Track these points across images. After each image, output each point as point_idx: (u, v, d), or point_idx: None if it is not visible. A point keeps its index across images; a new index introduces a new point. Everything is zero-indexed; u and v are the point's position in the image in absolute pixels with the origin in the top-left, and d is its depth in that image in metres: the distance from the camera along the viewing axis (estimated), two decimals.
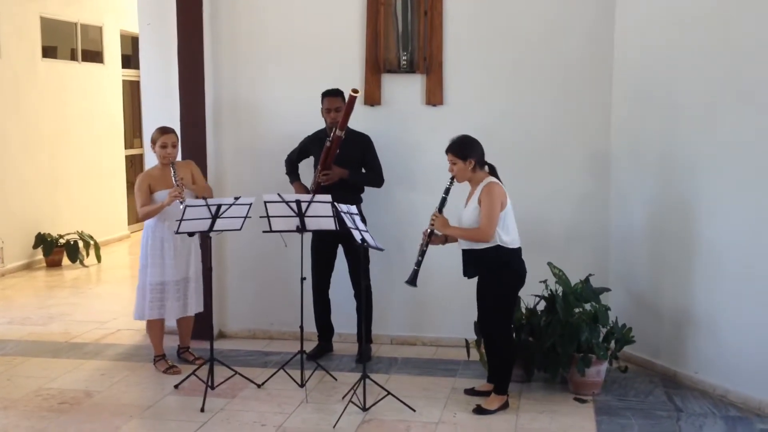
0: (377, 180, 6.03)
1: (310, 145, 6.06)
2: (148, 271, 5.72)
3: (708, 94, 5.31)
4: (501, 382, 5.12)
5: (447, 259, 6.18)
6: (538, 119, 6.18)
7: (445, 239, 5.15)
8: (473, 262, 5.02)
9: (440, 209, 5.05)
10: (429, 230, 5.07)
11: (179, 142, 5.84)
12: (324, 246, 6.05)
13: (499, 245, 4.92)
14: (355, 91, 5.65)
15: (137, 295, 5.82)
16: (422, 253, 5.10)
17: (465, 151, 4.97)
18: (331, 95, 5.91)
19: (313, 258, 6.11)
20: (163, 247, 5.70)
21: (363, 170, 6.03)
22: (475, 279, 5.11)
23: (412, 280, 5.11)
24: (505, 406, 5.09)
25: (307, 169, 6.17)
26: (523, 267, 5.06)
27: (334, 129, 5.75)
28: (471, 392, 5.35)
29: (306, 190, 5.94)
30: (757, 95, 5.01)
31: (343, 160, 5.82)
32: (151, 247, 5.71)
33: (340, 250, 6.08)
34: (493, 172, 5.07)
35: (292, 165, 6.18)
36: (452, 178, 5.04)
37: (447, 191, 5.06)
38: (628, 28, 5.91)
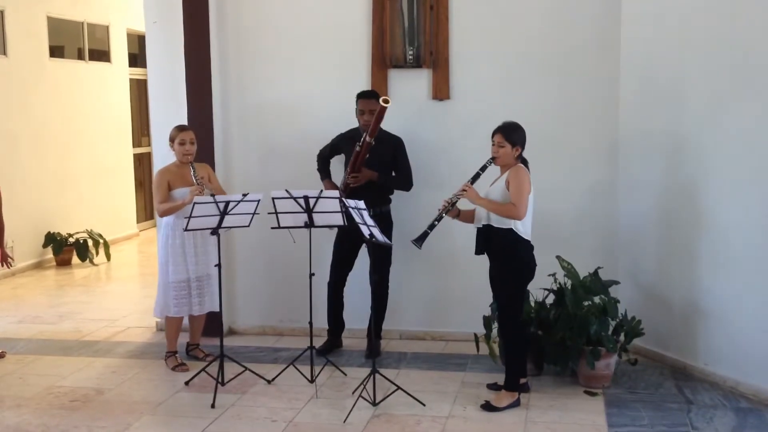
0: (405, 183, 6.02)
1: (342, 144, 6.04)
2: (170, 269, 5.74)
3: (716, 83, 5.30)
4: (510, 378, 5.11)
5: (456, 254, 6.20)
6: (545, 112, 6.16)
7: (458, 213, 5.13)
8: (486, 240, 5.01)
9: (472, 182, 5.03)
10: (454, 199, 5.05)
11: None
12: (347, 244, 6.05)
13: (512, 229, 4.93)
14: (385, 101, 5.63)
15: (158, 292, 5.85)
16: (439, 219, 5.07)
17: (515, 136, 4.97)
18: (366, 97, 5.87)
19: (334, 255, 6.13)
20: (185, 244, 5.72)
21: (393, 172, 6.02)
22: (486, 274, 5.12)
23: (420, 241, 5.06)
24: (515, 404, 5.06)
25: (337, 165, 6.16)
26: (533, 260, 5.06)
27: (364, 135, 5.74)
28: (494, 387, 5.33)
29: (335, 189, 5.92)
30: (765, 83, 4.98)
31: (373, 160, 5.82)
32: (172, 246, 5.72)
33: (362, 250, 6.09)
34: (524, 164, 5.08)
35: (323, 161, 6.18)
36: (491, 159, 5.02)
37: (483, 168, 5.03)
38: (635, 19, 5.89)
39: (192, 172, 5.63)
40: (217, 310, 5.81)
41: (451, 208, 5.06)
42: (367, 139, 5.70)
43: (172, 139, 5.76)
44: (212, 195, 5.42)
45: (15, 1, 9.31)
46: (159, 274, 5.85)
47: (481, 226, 5.04)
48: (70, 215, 10.08)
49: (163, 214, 5.79)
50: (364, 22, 6.34)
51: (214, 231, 5.33)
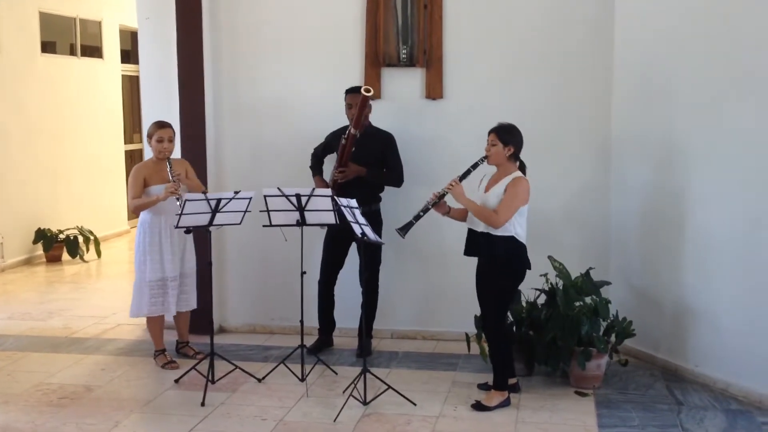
0: (396, 179, 6.00)
1: (334, 141, 6.02)
2: (147, 267, 5.70)
3: (709, 84, 5.30)
4: (499, 377, 5.10)
5: (448, 253, 6.19)
6: (538, 111, 6.15)
7: (448, 210, 5.13)
8: (485, 245, 4.98)
9: (461, 179, 5.04)
10: (441, 193, 5.04)
11: (176, 137, 5.83)
12: (337, 243, 6.03)
13: (513, 236, 4.94)
14: (367, 90, 5.61)
15: (134, 293, 5.80)
16: (425, 210, 5.04)
17: (508, 136, 4.99)
18: (352, 92, 5.87)
19: (324, 254, 6.11)
20: (161, 242, 5.69)
21: (384, 169, 6.00)
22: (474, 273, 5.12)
23: (404, 230, 5.04)
24: (506, 403, 5.06)
25: (330, 165, 6.12)
26: (528, 264, 5.06)
27: (348, 128, 5.73)
28: (485, 387, 5.32)
29: (326, 185, 5.90)
30: (758, 85, 4.99)
31: (363, 156, 5.80)
32: (149, 243, 5.69)
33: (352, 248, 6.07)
34: (522, 168, 5.08)
35: (317, 159, 6.16)
36: (484, 157, 5.02)
37: (475, 166, 5.03)
38: (629, 18, 5.90)
39: (168, 169, 5.58)
40: (195, 308, 5.82)
41: (438, 201, 5.05)
42: (352, 131, 5.69)
43: (149, 136, 5.70)
44: (203, 192, 5.40)
45: None
46: (136, 273, 5.80)
47: (481, 231, 5.01)
48: (60, 211, 10.03)
49: (134, 210, 5.74)
50: (357, 21, 6.33)
51: (189, 230, 5.31)
